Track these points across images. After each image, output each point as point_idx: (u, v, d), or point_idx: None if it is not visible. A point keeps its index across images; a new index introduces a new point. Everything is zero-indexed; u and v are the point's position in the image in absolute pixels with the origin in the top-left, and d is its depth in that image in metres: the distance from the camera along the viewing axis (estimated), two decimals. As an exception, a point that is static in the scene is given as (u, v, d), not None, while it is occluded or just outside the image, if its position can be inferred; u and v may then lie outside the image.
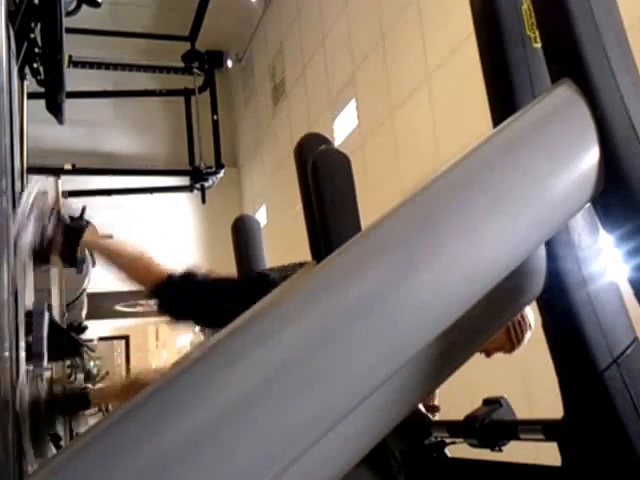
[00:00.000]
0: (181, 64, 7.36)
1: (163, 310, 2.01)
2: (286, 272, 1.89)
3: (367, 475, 1.48)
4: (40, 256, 2.01)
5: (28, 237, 1.84)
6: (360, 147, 5.52)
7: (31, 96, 3.18)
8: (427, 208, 0.72)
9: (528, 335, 1.67)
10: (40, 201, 1.93)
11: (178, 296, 1.95)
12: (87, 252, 2.43)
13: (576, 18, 0.79)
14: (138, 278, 2.01)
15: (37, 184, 2.01)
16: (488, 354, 1.69)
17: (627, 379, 0.88)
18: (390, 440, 1.52)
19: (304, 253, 1.72)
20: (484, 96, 0.94)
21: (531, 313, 1.63)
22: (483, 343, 1.05)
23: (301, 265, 1.89)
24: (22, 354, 1.87)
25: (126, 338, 9.58)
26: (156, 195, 7.39)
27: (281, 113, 7.68)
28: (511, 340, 1.66)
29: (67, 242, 1.99)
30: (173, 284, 1.94)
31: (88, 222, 2.06)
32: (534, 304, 1.01)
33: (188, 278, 1.96)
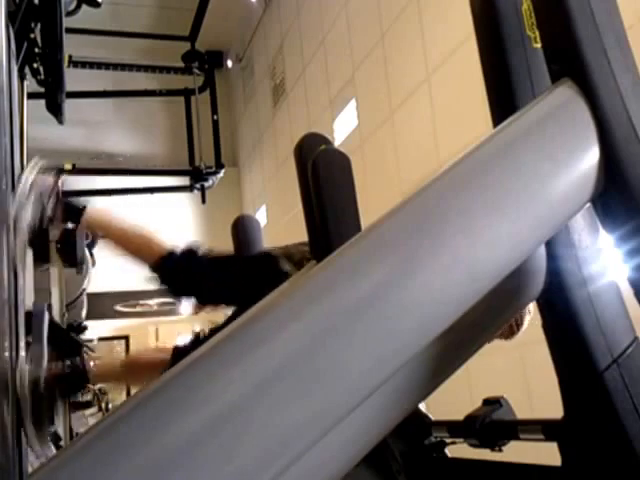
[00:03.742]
0: (181, 64, 7.35)
1: (164, 285, 2.01)
2: (288, 250, 1.90)
3: (367, 475, 1.48)
4: (40, 254, 2.00)
5: (27, 218, 1.82)
6: (360, 147, 5.52)
7: (31, 96, 3.18)
8: (427, 208, 0.72)
9: (528, 319, 1.65)
10: (40, 181, 1.91)
11: (179, 271, 1.95)
12: (87, 252, 2.42)
13: (576, 18, 0.79)
14: (139, 254, 2.02)
15: (38, 164, 1.99)
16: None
17: (627, 379, 0.88)
18: (390, 440, 1.52)
19: (304, 253, 1.72)
20: (484, 96, 0.94)
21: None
22: (483, 343, 1.05)
23: (303, 245, 1.89)
24: (22, 354, 1.87)
25: (126, 338, 9.58)
26: (156, 195, 7.39)
27: (281, 113, 7.68)
28: (511, 326, 1.65)
29: (67, 221, 1.98)
30: (174, 259, 1.95)
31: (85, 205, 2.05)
32: (532, 305, 1.01)
33: (189, 254, 1.97)
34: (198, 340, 2.00)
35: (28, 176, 1.90)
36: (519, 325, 1.65)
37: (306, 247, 1.83)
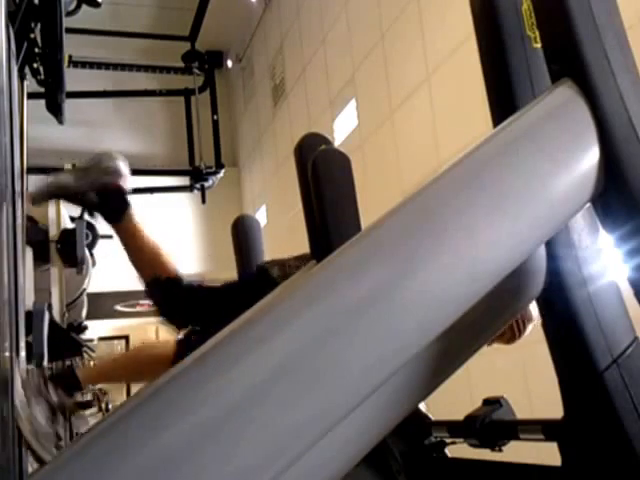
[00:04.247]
0: (181, 64, 7.37)
1: (156, 306, 2.00)
2: (285, 268, 1.88)
3: (367, 475, 1.48)
4: (41, 255, 1.99)
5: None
6: (360, 147, 5.52)
7: (31, 96, 3.18)
8: (427, 208, 0.72)
9: (530, 327, 1.64)
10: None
11: (177, 298, 1.93)
12: (87, 252, 2.42)
13: (576, 18, 0.79)
14: (153, 266, 1.99)
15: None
16: (489, 343, 1.67)
17: (627, 379, 0.88)
18: (390, 440, 1.52)
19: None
20: (484, 96, 0.94)
21: (534, 306, 1.61)
22: (483, 343, 1.05)
23: (299, 259, 1.88)
24: (22, 354, 1.87)
25: (126, 338, 9.58)
26: (156, 195, 7.39)
27: (281, 113, 7.68)
28: (512, 330, 1.64)
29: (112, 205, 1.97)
30: (175, 284, 1.93)
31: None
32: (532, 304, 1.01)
33: (191, 284, 1.94)
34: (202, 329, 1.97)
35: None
36: (521, 330, 1.65)
37: (302, 262, 1.82)
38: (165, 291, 1.94)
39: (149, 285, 1.96)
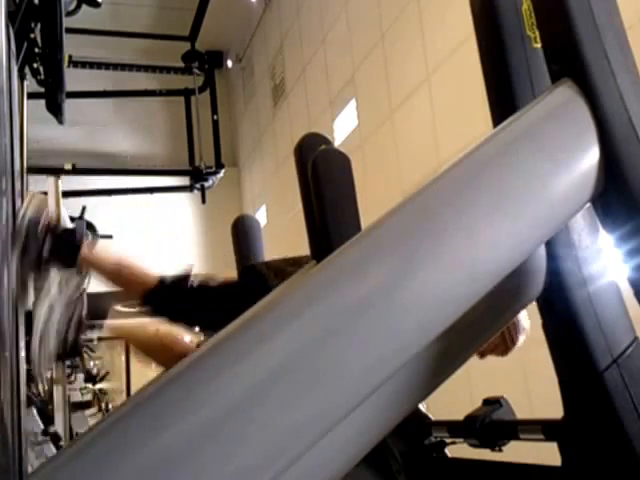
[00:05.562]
0: (181, 64, 7.36)
1: (157, 315, 1.97)
2: (277, 268, 1.87)
3: (367, 475, 1.48)
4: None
5: (31, 257, 1.79)
6: (360, 147, 5.52)
7: (31, 96, 3.17)
8: (427, 208, 0.72)
9: (522, 338, 1.66)
10: (34, 217, 1.86)
11: (171, 302, 1.90)
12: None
13: (576, 18, 0.79)
14: (126, 286, 1.97)
15: (33, 199, 1.96)
16: (482, 355, 1.67)
17: (627, 379, 0.88)
18: (390, 440, 1.52)
19: (304, 253, 1.71)
20: (484, 96, 0.94)
21: (526, 317, 1.62)
22: (483, 343, 1.05)
23: (292, 261, 1.86)
24: (22, 354, 1.87)
25: (126, 338, 9.57)
26: (156, 195, 7.39)
27: (281, 113, 7.68)
28: (505, 342, 1.65)
29: (63, 262, 1.94)
30: (164, 290, 1.87)
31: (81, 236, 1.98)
32: (531, 306, 1.01)
33: (180, 283, 1.89)
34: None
35: (25, 212, 1.86)
36: (513, 341, 1.65)
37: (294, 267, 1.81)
38: (159, 300, 1.90)
39: (143, 300, 1.93)
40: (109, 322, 2.00)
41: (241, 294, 1.78)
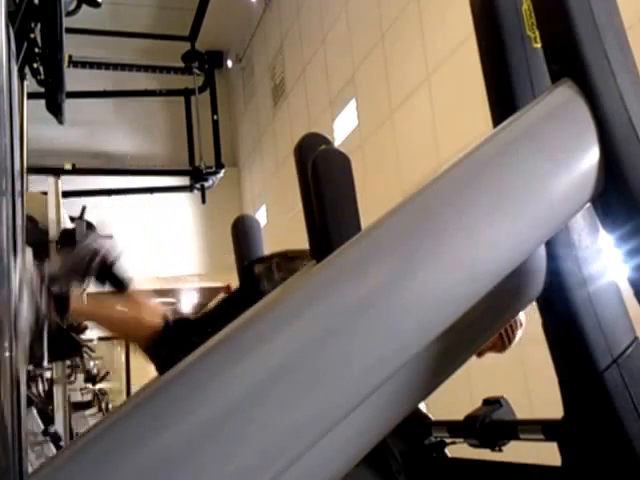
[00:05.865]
0: (181, 64, 7.37)
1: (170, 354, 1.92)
2: (270, 264, 1.86)
3: (367, 475, 1.48)
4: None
5: (26, 321, 1.77)
6: (360, 147, 5.52)
7: (31, 96, 3.18)
8: (427, 208, 0.72)
9: (519, 333, 1.66)
10: (29, 277, 1.83)
11: (180, 342, 1.84)
12: None
13: (576, 18, 0.79)
14: (131, 337, 1.92)
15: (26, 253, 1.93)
16: (480, 354, 1.67)
17: (627, 379, 0.89)
18: (390, 440, 1.52)
19: (304, 253, 1.71)
20: (484, 96, 0.94)
21: (522, 312, 1.62)
22: (483, 343, 1.05)
23: (283, 255, 1.85)
24: (22, 354, 1.86)
25: (126, 338, 9.57)
26: (156, 195, 7.39)
27: (281, 113, 7.68)
28: (502, 339, 1.65)
29: (58, 314, 1.91)
30: (168, 337, 1.80)
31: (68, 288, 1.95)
32: (531, 306, 1.01)
33: (184, 320, 1.85)
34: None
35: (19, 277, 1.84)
36: (510, 337, 1.65)
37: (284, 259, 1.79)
38: (168, 344, 1.85)
39: (149, 351, 1.88)
40: (74, 307, 1.96)
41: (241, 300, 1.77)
